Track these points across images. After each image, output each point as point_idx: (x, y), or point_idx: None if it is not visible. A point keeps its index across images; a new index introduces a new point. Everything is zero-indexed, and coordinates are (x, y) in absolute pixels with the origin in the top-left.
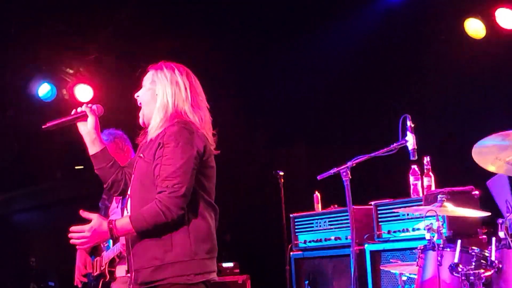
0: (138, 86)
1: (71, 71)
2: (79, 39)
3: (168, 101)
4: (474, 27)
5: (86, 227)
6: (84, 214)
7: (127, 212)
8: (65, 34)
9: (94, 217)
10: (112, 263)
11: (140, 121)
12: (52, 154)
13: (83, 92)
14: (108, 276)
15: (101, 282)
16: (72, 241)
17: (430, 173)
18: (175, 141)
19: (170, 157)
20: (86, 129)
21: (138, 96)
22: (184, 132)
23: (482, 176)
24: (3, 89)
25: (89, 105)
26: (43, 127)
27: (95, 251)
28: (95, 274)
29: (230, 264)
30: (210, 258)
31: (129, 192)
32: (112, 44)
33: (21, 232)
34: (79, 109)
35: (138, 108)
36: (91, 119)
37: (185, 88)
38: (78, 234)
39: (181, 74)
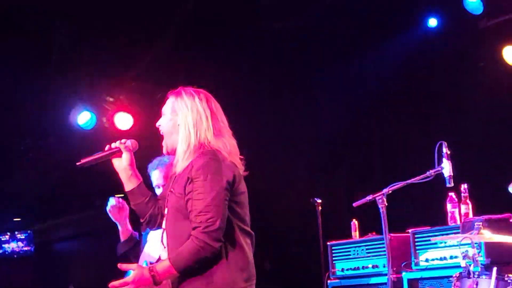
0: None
1: (111, 99)
2: (119, 67)
3: (191, 132)
4: None
5: (128, 279)
6: (123, 266)
7: (163, 246)
8: (105, 62)
9: (133, 267)
10: None
11: (164, 151)
12: (91, 182)
13: (123, 120)
14: None
15: None
16: None
17: (468, 201)
18: (203, 175)
19: (200, 192)
20: (122, 165)
21: (159, 125)
22: (212, 163)
23: None
24: (44, 117)
25: (123, 140)
26: (77, 164)
27: None
28: None
29: None
30: (249, 286)
31: (163, 226)
32: (152, 72)
33: (61, 260)
34: (113, 145)
35: (162, 138)
36: (126, 155)
37: (206, 117)
38: None
39: (201, 100)
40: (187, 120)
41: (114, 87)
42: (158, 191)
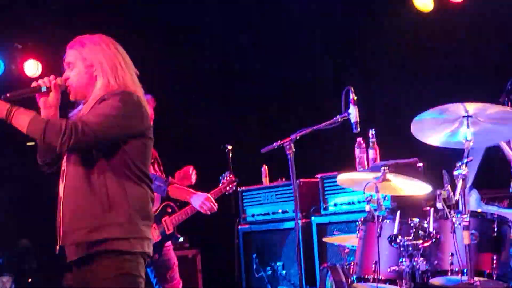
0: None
1: (19, 46)
2: (29, 13)
3: (110, 80)
4: (422, 0)
5: None
6: None
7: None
8: (14, 7)
9: None
10: None
11: (72, 98)
12: None
13: (32, 67)
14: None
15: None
16: None
17: (375, 146)
18: (113, 99)
19: (102, 107)
20: (47, 103)
21: (67, 77)
22: (126, 96)
23: (425, 149)
24: None
25: (52, 77)
26: (2, 97)
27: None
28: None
29: (180, 239)
30: (145, 225)
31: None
32: (62, 19)
33: None
34: (40, 82)
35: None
36: (53, 95)
37: (120, 63)
38: None
39: (108, 47)
40: (104, 68)
41: (23, 33)
42: None
